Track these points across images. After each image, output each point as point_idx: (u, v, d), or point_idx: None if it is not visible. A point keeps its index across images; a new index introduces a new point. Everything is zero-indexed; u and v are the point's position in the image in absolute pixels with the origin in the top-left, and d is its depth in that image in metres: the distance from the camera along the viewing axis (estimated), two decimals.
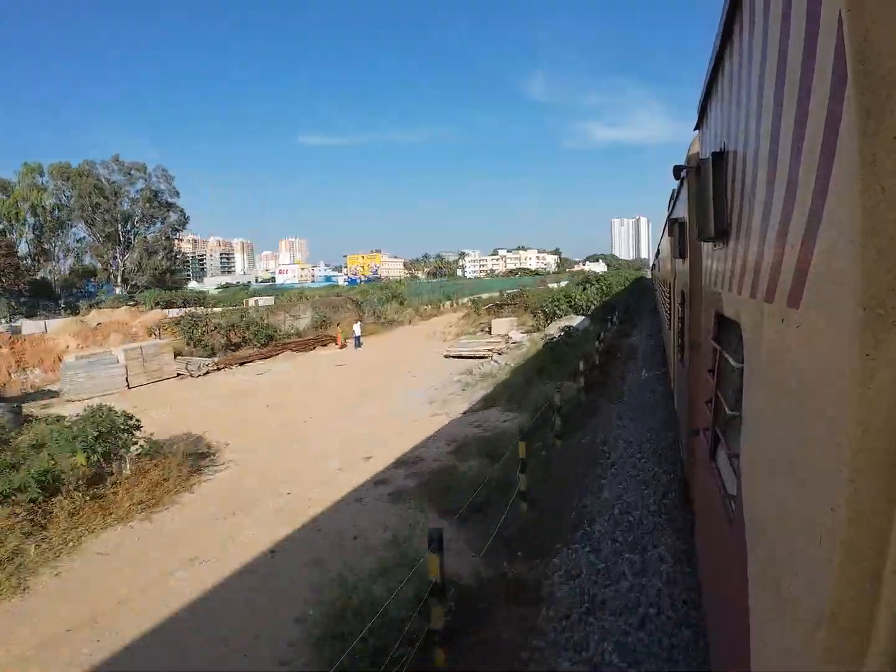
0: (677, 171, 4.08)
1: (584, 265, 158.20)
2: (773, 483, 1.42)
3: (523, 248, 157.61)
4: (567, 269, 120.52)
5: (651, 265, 50.55)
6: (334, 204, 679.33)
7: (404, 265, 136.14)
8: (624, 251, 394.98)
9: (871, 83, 0.85)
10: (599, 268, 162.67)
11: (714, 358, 2.74)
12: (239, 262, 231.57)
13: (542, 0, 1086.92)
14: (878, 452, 0.88)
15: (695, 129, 3.85)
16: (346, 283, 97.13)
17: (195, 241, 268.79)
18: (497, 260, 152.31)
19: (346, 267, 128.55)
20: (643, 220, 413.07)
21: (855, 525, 0.90)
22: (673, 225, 5.81)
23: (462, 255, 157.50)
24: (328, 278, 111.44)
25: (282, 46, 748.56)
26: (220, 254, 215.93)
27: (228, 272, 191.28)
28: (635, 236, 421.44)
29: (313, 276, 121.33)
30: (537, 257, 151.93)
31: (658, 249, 17.70)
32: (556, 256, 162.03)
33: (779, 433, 1.39)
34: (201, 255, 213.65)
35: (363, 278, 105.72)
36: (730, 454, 2.24)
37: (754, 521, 1.64)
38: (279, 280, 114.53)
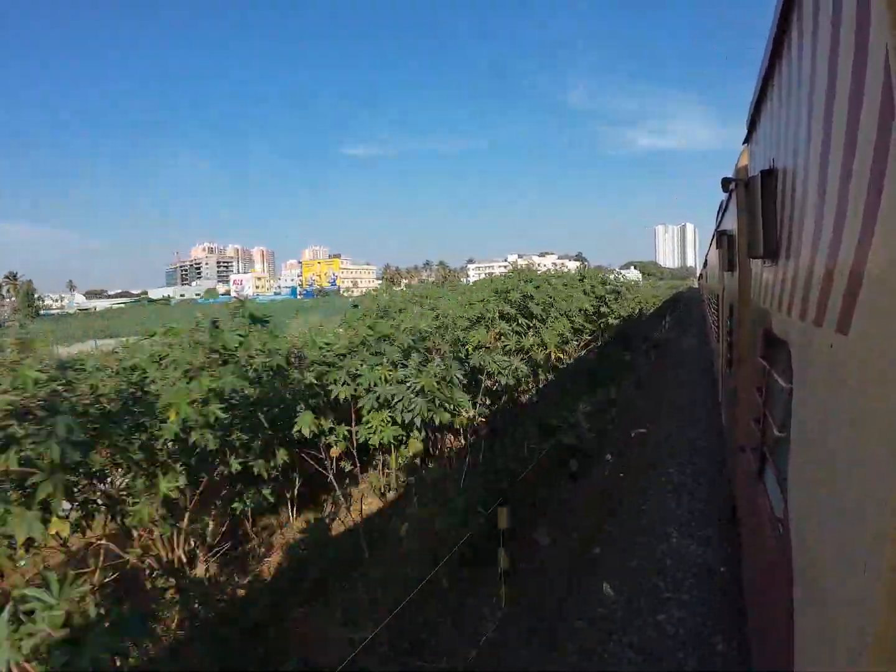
0: (725, 183, 4.01)
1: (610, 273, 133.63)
2: (821, 508, 1.42)
3: (543, 254, 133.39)
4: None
5: (698, 275, 47.17)
6: (361, 214, 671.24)
7: (390, 273, 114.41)
8: (669, 259, 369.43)
9: None
10: (632, 276, 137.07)
11: (762, 376, 2.72)
12: (259, 270, 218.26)
13: (569, 2, 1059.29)
14: None
15: (744, 143, 3.89)
16: (303, 297, 76.22)
17: (211, 248, 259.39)
18: (505, 267, 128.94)
19: (300, 276, 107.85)
20: (689, 227, 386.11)
21: None
22: (721, 237, 5.63)
23: (470, 261, 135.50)
24: (294, 290, 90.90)
25: (312, 51, 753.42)
26: (218, 261, 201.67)
27: (226, 281, 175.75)
28: (681, 244, 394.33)
29: (280, 286, 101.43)
30: (554, 264, 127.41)
31: (706, 260, 17.01)
32: (578, 263, 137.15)
33: (827, 459, 1.39)
34: (198, 263, 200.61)
35: (319, 290, 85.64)
36: (777, 475, 2.23)
37: (801, 544, 1.65)
38: (234, 293, 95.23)
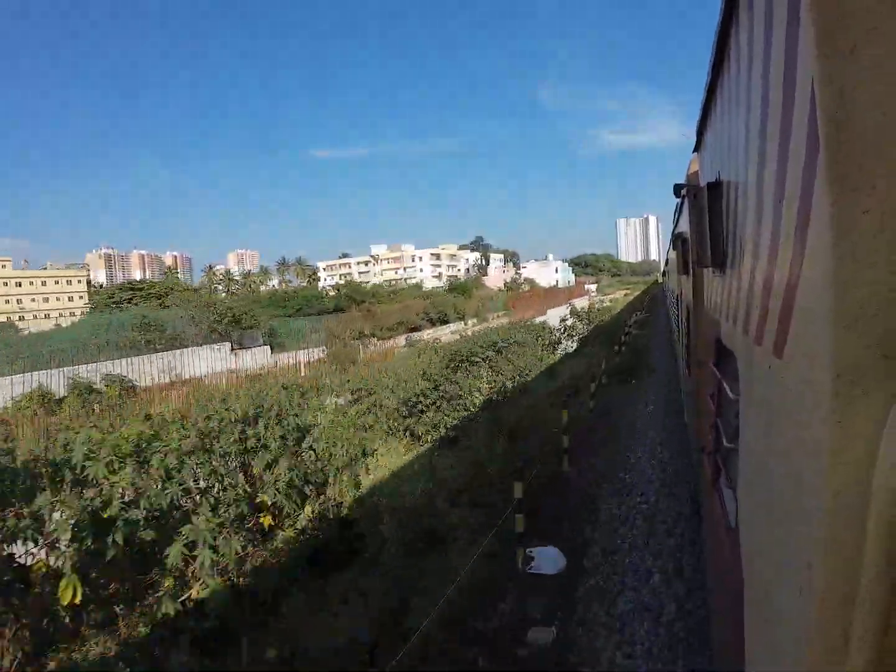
0: (677, 189, 4.10)
1: (520, 269, 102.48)
2: (764, 524, 1.44)
3: (447, 245, 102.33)
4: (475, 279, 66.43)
5: (662, 271, 45.28)
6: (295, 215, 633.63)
7: (212, 275, 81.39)
8: (632, 253, 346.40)
9: (842, 153, 0.85)
10: (549, 274, 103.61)
11: (715, 384, 2.73)
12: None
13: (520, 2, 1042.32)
14: (850, 518, 0.88)
15: (693, 152, 4.02)
16: None
17: (108, 255, 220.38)
18: (366, 265, 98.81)
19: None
20: (652, 220, 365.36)
21: (831, 587, 0.91)
22: (677, 240, 5.75)
23: (344, 255, 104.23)
24: None
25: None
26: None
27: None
28: (643, 237, 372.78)
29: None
30: (435, 255, 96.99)
31: (667, 259, 17.72)
32: (476, 254, 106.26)
33: (767, 476, 1.40)
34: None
35: None
36: (730, 484, 2.26)
37: (749, 556, 1.69)
38: None
